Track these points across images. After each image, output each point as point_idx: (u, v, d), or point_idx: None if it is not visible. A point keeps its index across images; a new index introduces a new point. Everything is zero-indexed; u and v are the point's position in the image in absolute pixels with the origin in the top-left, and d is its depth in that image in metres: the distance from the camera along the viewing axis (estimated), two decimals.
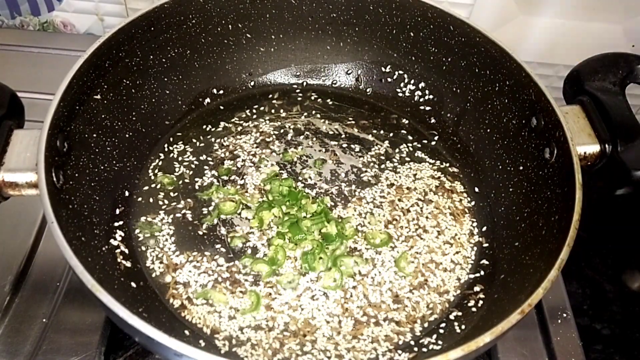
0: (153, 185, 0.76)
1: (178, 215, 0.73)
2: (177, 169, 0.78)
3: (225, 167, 0.78)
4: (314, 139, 0.83)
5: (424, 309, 0.68)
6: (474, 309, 0.67)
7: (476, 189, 0.79)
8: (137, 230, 0.71)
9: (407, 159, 0.82)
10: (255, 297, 0.66)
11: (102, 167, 0.70)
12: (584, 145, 0.68)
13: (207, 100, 0.85)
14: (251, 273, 0.69)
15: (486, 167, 0.80)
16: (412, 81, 0.87)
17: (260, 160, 0.80)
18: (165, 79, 0.80)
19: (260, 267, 0.69)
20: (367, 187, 0.78)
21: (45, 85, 0.84)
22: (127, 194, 0.73)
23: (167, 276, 0.68)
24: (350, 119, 0.86)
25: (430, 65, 0.85)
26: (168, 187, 0.76)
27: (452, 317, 0.67)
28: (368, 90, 0.90)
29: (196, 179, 0.77)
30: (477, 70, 0.80)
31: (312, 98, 0.88)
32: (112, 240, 0.68)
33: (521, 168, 0.74)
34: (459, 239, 0.74)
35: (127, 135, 0.75)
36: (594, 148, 0.68)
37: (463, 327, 0.66)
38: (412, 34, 0.84)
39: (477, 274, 0.71)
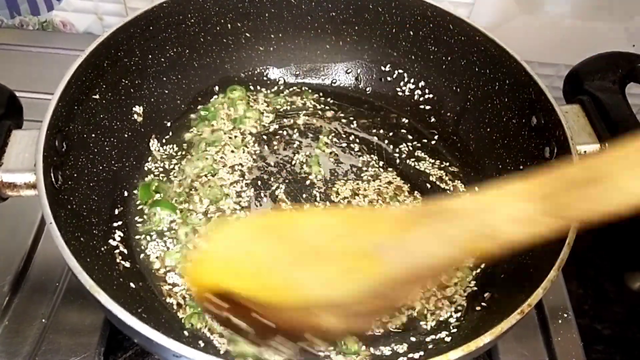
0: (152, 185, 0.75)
1: (177, 214, 0.73)
2: (176, 169, 0.77)
3: (224, 167, 0.78)
4: (314, 138, 0.83)
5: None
6: (474, 309, 0.67)
7: (476, 189, 0.78)
8: (136, 230, 0.71)
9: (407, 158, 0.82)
10: None
11: (100, 167, 0.70)
12: (584, 144, 0.68)
13: (206, 99, 0.85)
14: None
15: (486, 167, 0.79)
16: (412, 80, 0.87)
17: (259, 159, 0.79)
18: (164, 79, 0.80)
19: None
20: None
21: (44, 85, 0.84)
22: (126, 194, 0.73)
23: (166, 276, 0.68)
24: (350, 118, 0.86)
25: (430, 64, 0.85)
26: (167, 186, 0.75)
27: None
28: (368, 89, 0.89)
29: (195, 179, 0.77)
30: (477, 69, 0.79)
31: (312, 97, 0.88)
32: (111, 241, 0.68)
33: (521, 167, 0.74)
34: None
35: (125, 135, 0.75)
36: (594, 147, 0.68)
37: (463, 327, 0.66)
38: (411, 33, 0.84)
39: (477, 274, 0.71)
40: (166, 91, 0.81)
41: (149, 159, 0.78)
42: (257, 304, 0.45)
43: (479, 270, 0.71)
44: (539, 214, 0.38)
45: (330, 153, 0.81)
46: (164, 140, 0.80)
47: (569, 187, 0.37)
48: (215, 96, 0.85)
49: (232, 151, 0.80)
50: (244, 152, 0.80)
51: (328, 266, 0.43)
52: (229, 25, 0.83)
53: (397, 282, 0.43)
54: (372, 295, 0.43)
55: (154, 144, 0.79)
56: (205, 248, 0.48)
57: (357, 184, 0.78)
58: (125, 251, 0.68)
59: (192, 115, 0.83)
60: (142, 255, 0.69)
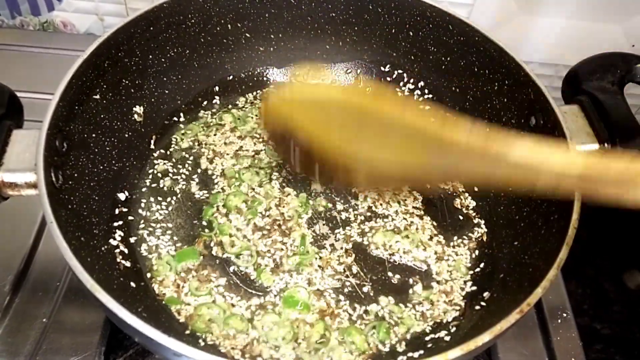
0: (152, 185, 0.76)
1: (177, 214, 0.73)
2: (176, 169, 0.78)
3: (224, 167, 0.78)
4: None
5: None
6: (473, 308, 0.67)
7: (475, 188, 0.79)
8: (136, 230, 0.71)
9: None
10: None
11: (101, 167, 0.70)
12: (583, 144, 0.68)
13: (207, 99, 0.85)
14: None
15: None
16: (412, 80, 0.87)
17: (259, 160, 0.80)
18: (165, 79, 0.80)
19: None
20: None
21: (45, 85, 0.84)
22: (126, 193, 0.73)
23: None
24: None
25: (429, 64, 0.85)
26: (167, 186, 0.76)
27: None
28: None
29: (195, 179, 0.77)
30: (476, 69, 0.79)
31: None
32: (111, 240, 0.68)
33: None
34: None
35: (126, 135, 0.75)
36: (592, 147, 0.68)
37: (462, 326, 0.66)
38: (411, 34, 0.84)
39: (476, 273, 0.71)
40: (166, 91, 0.81)
41: (150, 158, 0.78)
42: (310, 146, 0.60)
43: (478, 270, 0.71)
44: (577, 182, 0.47)
45: None
46: (169, 139, 0.80)
47: (607, 174, 0.46)
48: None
49: (233, 150, 0.80)
50: (242, 151, 0.80)
51: (381, 140, 0.56)
52: (229, 26, 0.83)
53: (428, 174, 0.56)
54: (402, 170, 0.56)
55: (155, 144, 0.79)
56: (287, 90, 0.62)
57: None
58: (126, 251, 0.68)
59: (193, 115, 0.83)
60: (142, 255, 0.69)
